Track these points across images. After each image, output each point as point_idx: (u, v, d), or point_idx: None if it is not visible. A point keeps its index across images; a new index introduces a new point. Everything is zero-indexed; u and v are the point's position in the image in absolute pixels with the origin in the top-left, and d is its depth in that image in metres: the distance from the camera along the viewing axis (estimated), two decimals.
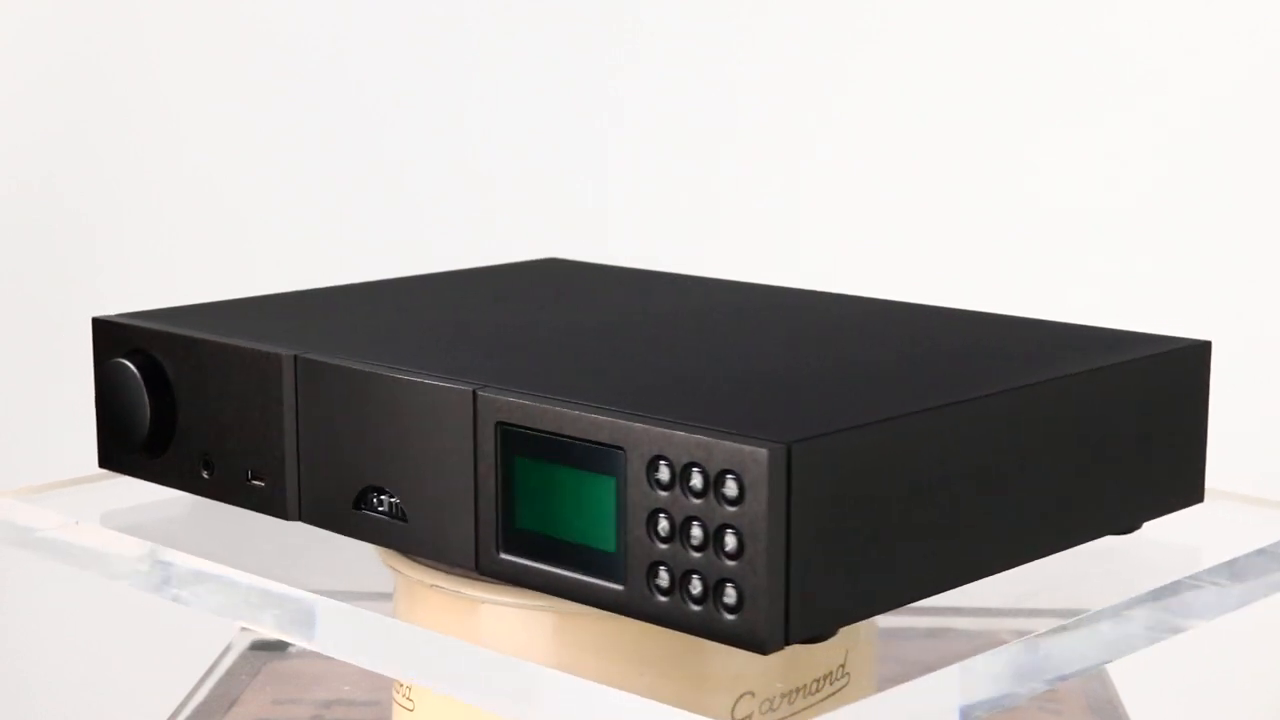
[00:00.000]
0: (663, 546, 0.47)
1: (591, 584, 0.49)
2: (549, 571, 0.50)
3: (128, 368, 0.61)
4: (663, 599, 0.47)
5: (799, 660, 0.55)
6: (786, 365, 0.56)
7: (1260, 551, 0.60)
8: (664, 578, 0.47)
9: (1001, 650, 0.52)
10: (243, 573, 0.58)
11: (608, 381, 0.53)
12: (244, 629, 0.90)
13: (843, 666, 0.57)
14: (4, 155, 1.33)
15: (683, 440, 0.47)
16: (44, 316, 1.34)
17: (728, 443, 0.46)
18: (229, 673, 0.86)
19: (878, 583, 0.49)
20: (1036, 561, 0.55)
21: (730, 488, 0.46)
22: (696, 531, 0.46)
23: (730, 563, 0.46)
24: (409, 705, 0.61)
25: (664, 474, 0.47)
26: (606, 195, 1.26)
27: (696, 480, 0.46)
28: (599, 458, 0.48)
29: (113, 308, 1.39)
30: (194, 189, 1.31)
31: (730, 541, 0.46)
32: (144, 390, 0.60)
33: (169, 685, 0.91)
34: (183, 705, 0.82)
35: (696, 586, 0.46)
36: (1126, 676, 0.82)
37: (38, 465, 1.33)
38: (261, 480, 0.58)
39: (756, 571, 0.45)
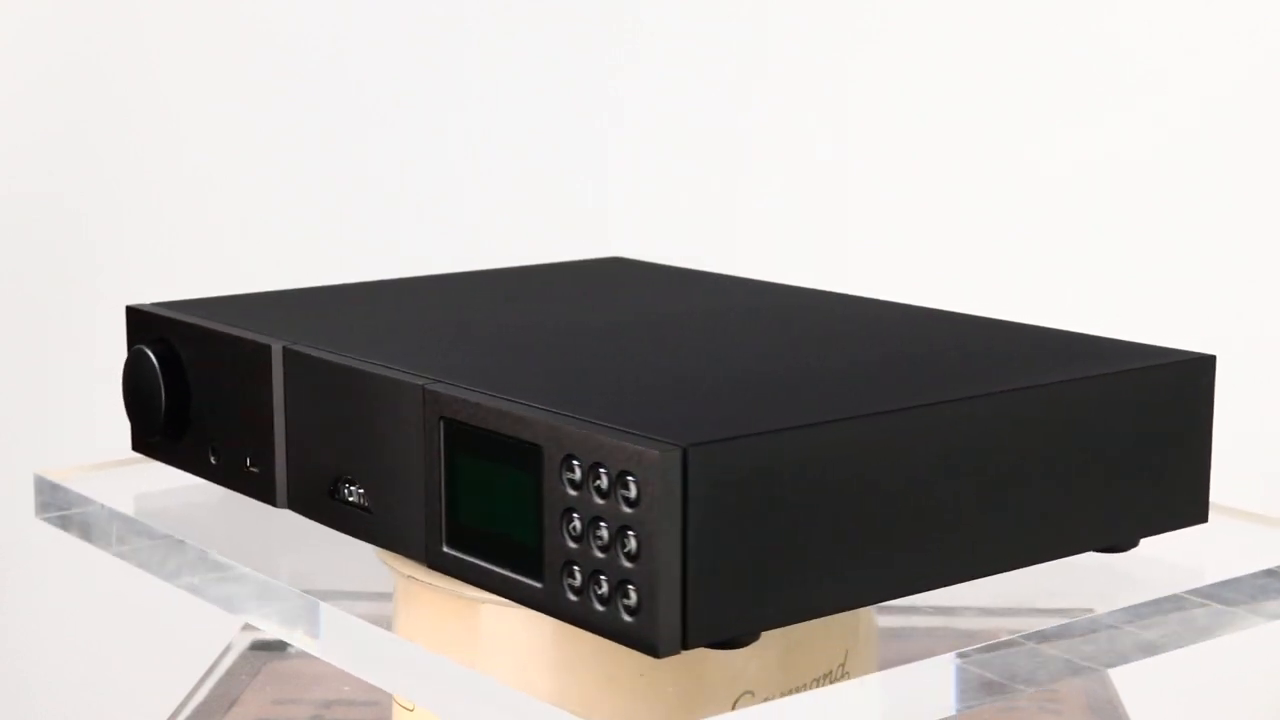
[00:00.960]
0: (573, 545, 0.47)
1: (517, 580, 0.49)
2: (484, 567, 0.50)
3: (147, 354, 0.62)
4: (574, 598, 0.47)
5: (799, 659, 0.55)
6: (748, 368, 0.56)
7: (1269, 572, 0.58)
8: (577, 577, 0.47)
9: (997, 646, 0.52)
10: (249, 569, 0.59)
11: (554, 380, 0.53)
12: (245, 628, 0.90)
13: (843, 665, 0.57)
14: (4, 155, 1.33)
15: (587, 439, 0.46)
16: (44, 316, 1.34)
17: (625, 443, 0.45)
18: (229, 673, 0.86)
19: (799, 590, 0.47)
20: (1039, 567, 0.54)
21: (630, 489, 0.45)
22: (602, 532, 0.46)
23: (629, 564, 0.45)
24: (409, 705, 0.61)
25: (576, 473, 0.47)
26: (606, 195, 1.26)
27: (603, 480, 0.46)
28: (523, 455, 0.48)
29: (111, 307, 1.39)
30: (194, 189, 1.31)
31: (630, 543, 0.45)
32: (159, 376, 0.62)
33: (169, 685, 0.91)
34: (183, 705, 0.82)
35: (603, 586, 0.46)
36: (1127, 676, 0.82)
37: (36, 459, 1.33)
38: (257, 467, 0.59)
39: (652, 574, 0.45)
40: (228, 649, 0.89)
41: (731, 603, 0.46)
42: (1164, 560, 0.58)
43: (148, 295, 1.31)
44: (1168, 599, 0.56)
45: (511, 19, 1.26)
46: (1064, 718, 0.80)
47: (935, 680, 0.50)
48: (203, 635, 0.95)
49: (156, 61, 1.30)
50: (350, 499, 0.55)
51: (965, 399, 0.51)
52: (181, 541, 0.61)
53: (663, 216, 1.25)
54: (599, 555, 0.46)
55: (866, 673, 0.58)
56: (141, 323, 0.64)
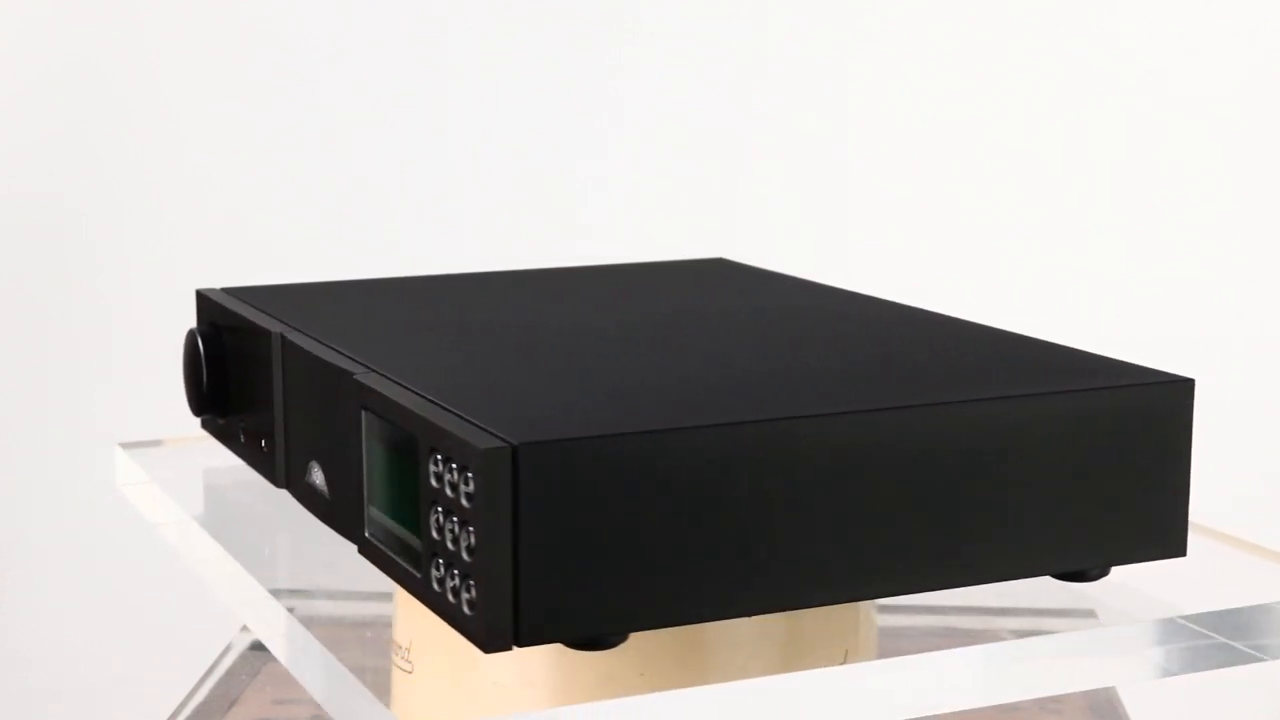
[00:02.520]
0: (436, 537, 0.47)
1: (405, 569, 0.49)
2: (387, 556, 0.50)
3: (194, 335, 0.64)
4: (438, 589, 0.47)
5: (799, 657, 0.55)
6: (689, 370, 0.54)
7: (1265, 608, 0.55)
8: (440, 568, 0.47)
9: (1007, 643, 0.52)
10: (246, 570, 0.59)
11: (465, 377, 0.53)
12: (244, 628, 0.90)
13: (843, 664, 0.57)
14: (4, 155, 1.33)
15: (442, 433, 0.46)
16: (44, 316, 1.34)
17: (466, 438, 0.45)
18: (229, 673, 0.86)
19: (659, 594, 0.46)
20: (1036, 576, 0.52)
21: (470, 483, 0.45)
22: (454, 524, 0.46)
23: (468, 558, 0.45)
24: (407, 668, 0.60)
25: (439, 465, 0.46)
26: (607, 195, 1.26)
27: (455, 474, 0.45)
28: (407, 445, 0.48)
29: (111, 307, 1.39)
30: (194, 189, 1.31)
31: (470, 537, 0.45)
32: (202, 357, 0.64)
33: (169, 685, 0.90)
34: (183, 705, 0.82)
35: (454, 579, 0.46)
36: None
37: (36, 460, 1.34)
38: (267, 448, 0.60)
39: (482, 569, 0.44)
40: (228, 649, 0.89)
41: (573, 604, 0.45)
42: (1134, 589, 0.56)
43: (147, 295, 1.31)
44: (1152, 624, 0.54)
45: (511, 19, 1.26)
46: (1064, 717, 0.80)
47: (943, 672, 0.50)
48: (203, 635, 0.95)
49: (156, 61, 1.30)
50: (317, 483, 0.56)
51: (872, 410, 0.49)
52: (199, 529, 0.62)
53: (663, 217, 1.25)
54: (450, 548, 0.46)
55: None
56: (202, 307, 0.67)
